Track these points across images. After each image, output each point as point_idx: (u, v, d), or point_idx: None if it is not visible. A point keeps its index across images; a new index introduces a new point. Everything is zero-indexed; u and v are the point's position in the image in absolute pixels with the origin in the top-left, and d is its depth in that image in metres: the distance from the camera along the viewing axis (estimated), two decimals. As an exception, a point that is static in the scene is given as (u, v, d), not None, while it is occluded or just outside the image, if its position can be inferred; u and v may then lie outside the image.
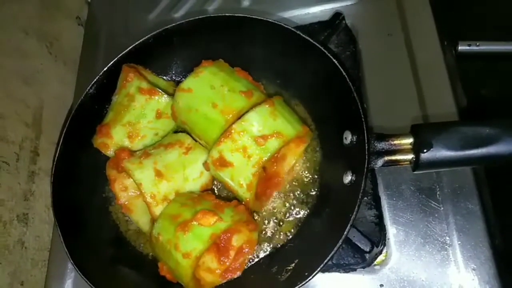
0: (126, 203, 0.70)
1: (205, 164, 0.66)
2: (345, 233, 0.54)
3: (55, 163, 0.69)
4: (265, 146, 0.62)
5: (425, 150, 0.52)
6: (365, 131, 0.56)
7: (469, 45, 0.81)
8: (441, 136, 0.52)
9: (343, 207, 0.58)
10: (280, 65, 0.75)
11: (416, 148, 0.54)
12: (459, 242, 0.66)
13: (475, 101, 0.78)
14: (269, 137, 0.62)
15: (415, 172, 0.56)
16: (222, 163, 0.63)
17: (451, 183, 0.69)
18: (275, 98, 0.66)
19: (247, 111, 0.63)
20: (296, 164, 0.72)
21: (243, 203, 0.65)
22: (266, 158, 0.62)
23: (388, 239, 0.69)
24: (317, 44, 0.65)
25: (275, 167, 0.70)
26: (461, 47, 0.81)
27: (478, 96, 0.79)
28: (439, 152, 0.52)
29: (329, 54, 0.64)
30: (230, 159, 0.62)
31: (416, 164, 0.54)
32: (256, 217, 0.71)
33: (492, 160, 0.51)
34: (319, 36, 0.79)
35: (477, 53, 0.81)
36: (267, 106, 0.63)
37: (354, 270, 0.68)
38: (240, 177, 0.63)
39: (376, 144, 0.57)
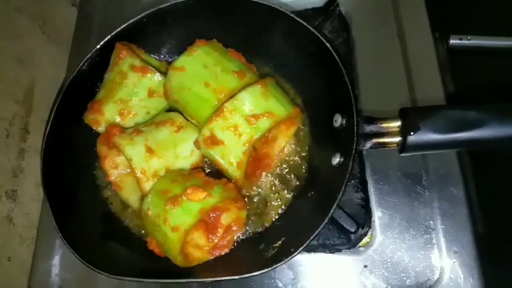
0: (116, 180, 0.70)
1: (196, 142, 0.67)
2: (332, 211, 0.56)
3: (45, 138, 0.69)
4: (256, 125, 0.63)
5: (412, 133, 0.53)
6: (354, 114, 0.57)
7: (461, 39, 0.82)
8: (428, 119, 0.53)
9: (330, 188, 0.59)
10: (273, 47, 0.75)
11: (404, 131, 0.55)
12: (443, 226, 0.68)
13: (463, 91, 0.80)
14: (260, 116, 0.63)
15: (401, 154, 0.57)
16: (213, 141, 0.63)
17: (436, 169, 0.71)
18: (267, 79, 0.67)
19: (239, 91, 0.64)
20: (286, 146, 0.73)
21: (233, 181, 0.66)
22: (256, 137, 0.63)
23: (374, 221, 0.70)
24: (311, 28, 0.66)
25: (265, 148, 0.71)
26: (453, 41, 0.82)
27: (467, 86, 0.81)
28: (426, 135, 0.53)
29: (322, 38, 0.64)
30: (221, 137, 0.63)
31: (403, 146, 0.55)
32: (245, 196, 0.72)
33: (477, 144, 0.52)
34: (313, 22, 0.80)
35: (468, 47, 0.82)
36: (259, 86, 0.64)
37: (339, 251, 0.69)
38: (231, 155, 0.64)
39: (365, 127, 0.58)
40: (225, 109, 0.63)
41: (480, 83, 0.82)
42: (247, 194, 0.72)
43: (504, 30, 0.82)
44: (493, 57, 0.84)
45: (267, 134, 0.67)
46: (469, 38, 0.83)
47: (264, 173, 0.72)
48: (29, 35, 0.92)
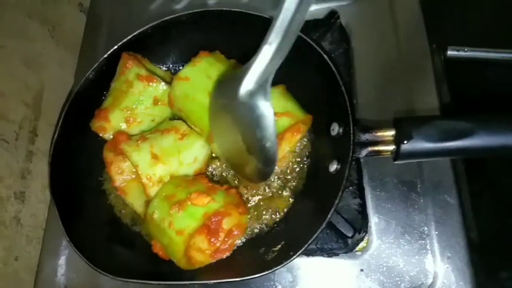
0: (122, 185, 0.72)
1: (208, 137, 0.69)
2: (329, 216, 0.58)
3: (53, 144, 0.71)
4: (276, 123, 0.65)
5: (405, 142, 0.56)
6: (351, 123, 0.60)
7: (458, 51, 0.85)
8: (420, 129, 0.55)
9: (328, 194, 0.61)
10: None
11: (397, 140, 0.57)
12: (436, 232, 0.70)
13: (459, 102, 0.82)
14: (281, 115, 0.66)
15: (395, 162, 0.59)
16: None
17: (431, 177, 0.73)
18: (280, 86, 0.70)
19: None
20: (287, 152, 0.75)
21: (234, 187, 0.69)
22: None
23: (370, 227, 0.72)
24: (309, 41, 0.68)
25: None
26: (450, 52, 0.84)
27: (463, 97, 0.83)
28: (418, 144, 0.55)
29: (320, 50, 0.67)
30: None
31: (397, 154, 0.58)
32: (246, 202, 0.74)
33: (466, 152, 0.54)
34: (314, 33, 0.83)
35: (465, 58, 0.84)
36: (280, 88, 0.68)
37: (337, 255, 0.72)
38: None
39: (360, 136, 0.60)
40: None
41: (476, 94, 0.84)
42: (248, 199, 0.74)
43: (500, 42, 0.84)
44: (489, 68, 0.86)
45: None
46: (466, 49, 0.85)
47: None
48: (39, 39, 0.95)
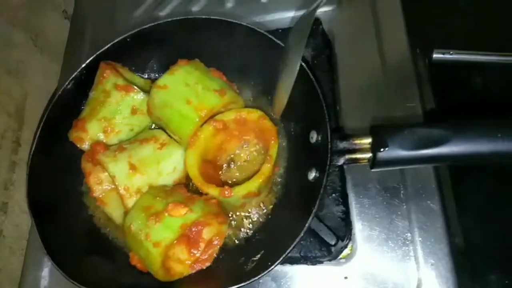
0: (101, 196, 0.72)
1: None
2: (307, 225, 0.57)
3: (31, 156, 0.70)
4: None
5: (381, 150, 0.55)
6: (328, 131, 0.59)
7: (443, 54, 0.84)
8: (396, 136, 0.55)
9: (307, 202, 0.61)
10: (252, 66, 0.77)
11: (374, 148, 0.57)
12: (420, 239, 0.70)
13: (443, 106, 0.81)
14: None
15: (372, 170, 0.59)
16: None
17: (414, 183, 0.73)
18: None
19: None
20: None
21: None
22: None
23: (354, 234, 0.72)
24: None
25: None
26: (436, 55, 0.84)
27: (448, 101, 0.83)
28: (394, 152, 0.55)
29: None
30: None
31: (373, 162, 0.57)
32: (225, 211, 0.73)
33: (442, 160, 0.54)
34: (295, 39, 0.82)
35: (450, 62, 0.84)
36: None
37: (321, 262, 0.71)
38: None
39: (338, 144, 0.60)
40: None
41: (461, 98, 0.84)
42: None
43: (486, 45, 0.84)
44: (474, 72, 0.86)
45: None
46: (451, 52, 0.84)
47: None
48: (21, 47, 0.94)
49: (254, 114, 0.70)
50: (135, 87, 0.73)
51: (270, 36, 0.70)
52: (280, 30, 0.87)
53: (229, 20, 0.73)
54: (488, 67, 0.84)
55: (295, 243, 0.58)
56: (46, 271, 0.81)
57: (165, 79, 0.69)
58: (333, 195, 0.74)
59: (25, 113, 0.92)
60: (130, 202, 0.66)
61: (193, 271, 0.67)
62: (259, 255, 0.65)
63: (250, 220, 0.72)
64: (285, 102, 0.64)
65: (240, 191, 0.65)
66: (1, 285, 0.80)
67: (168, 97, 0.69)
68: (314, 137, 0.65)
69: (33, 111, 0.93)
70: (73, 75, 0.75)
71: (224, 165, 0.76)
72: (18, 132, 0.90)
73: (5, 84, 0.88)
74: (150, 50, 0.81)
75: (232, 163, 0.76)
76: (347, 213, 0.73)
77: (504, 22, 0.86)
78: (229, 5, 0.98)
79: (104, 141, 0.72)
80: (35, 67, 0.98)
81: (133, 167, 0.67)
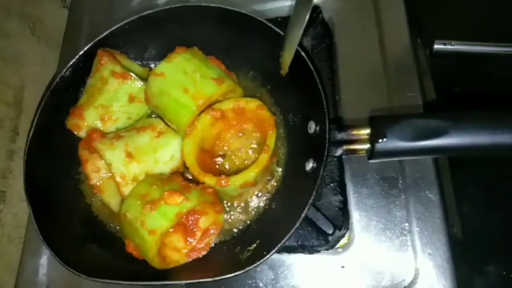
0: (98, 183, 0.72)
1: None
2: (303, 215, 0.57)
3: (28, 143, 0.70)
4: None
5: (379, 141, 0.55)
6: (326, 122, 0.59)
7: (444, 44, 0.83)
8: (395, 127, 0.54)
9: (304, 192, 0.60)
10: (252, 55, 0.76)
11: (372, 139, 0.56)
12: (418, 229, 0.70)
13: (444, 97, 0.81)
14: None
15: (370, 161, 0.58)
16: None
17: (413, 173, 0.72)
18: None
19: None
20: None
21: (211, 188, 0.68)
22: None
23: (352, 223, 0.72)
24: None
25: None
26: (437, 46, 0.83)
27: (448, 92, 0.82)
28: (392, 143, 0.54)
29: (298, 48, 0.66)
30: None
31: (371, 153, 0.57)
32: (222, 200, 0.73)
33: (440, 151, 0.54)
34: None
35: (452, 52, 0.83)
36: None
37: (318, 251, 0.71)
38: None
39: (336, 134, 0.60)
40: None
41: (461, 89, 0.83)
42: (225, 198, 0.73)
43: (487, 36, 0.83)
44: (475, 62, 0.85)
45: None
46: (452, 43, 0.83)
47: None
48: (19, 36, 0.93)
49: (252, 104, 0.70)
50: (133, 74, 0.72)
51: (269, 24, 0.69)
52: (279, 19, 0.86)
53: (228, 8, 0.72)
54: (489, 58, 0.83)
55: (290, 233, 0.58)
56: (45, 259, 0.81)
57: (162, 67, 0.69)
58: (331, 184, 0.74)
59: (23, 102, 0.91)
60: (126, 190, 0.66)
61: (189, 260, 0.67)
62: (254, 245, 0.65)
63: (247, 210, 0.72)
64: (292, 56, 0.63)
65: (237, 180, 0.65)
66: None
67: (165, 85, 0.68)
68: (312, 127, 0.64)
69: (31, 100, 0.92)
70: (71, 62, 0.75)
71: (221, 155, 0.75)
72: (16, 121, 0.89)
73: (3, 73, 0.87)
74: (149, 38, 0.80)
75: (230, 152, 0.75)
76: (345, 203, 0.73)
77: (505, 13, 0.85)
78: (228, -6, 0.96)
79: (102, 128, 0.72)
80: (33, 56, 0.97)
81: (129, 155, 0.66)
